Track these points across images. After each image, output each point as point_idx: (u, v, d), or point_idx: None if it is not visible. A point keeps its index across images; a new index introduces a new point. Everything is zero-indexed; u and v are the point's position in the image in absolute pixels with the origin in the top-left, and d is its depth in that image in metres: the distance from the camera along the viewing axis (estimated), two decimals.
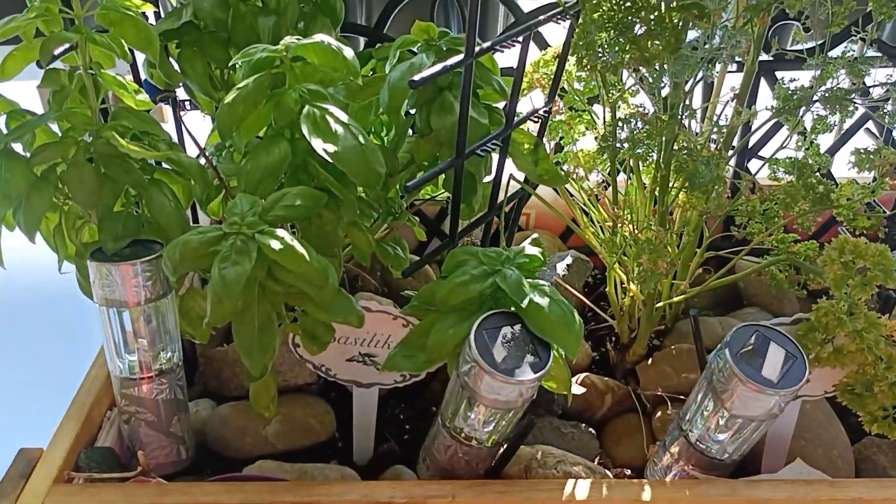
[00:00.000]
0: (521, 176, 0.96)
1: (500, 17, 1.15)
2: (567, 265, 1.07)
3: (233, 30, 0.96)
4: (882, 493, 0.76)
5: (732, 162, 1.17)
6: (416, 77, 0.68)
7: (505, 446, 0.79)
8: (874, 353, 0.73)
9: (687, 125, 0.86)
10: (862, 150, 0.89)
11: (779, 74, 1.11)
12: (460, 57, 0.71)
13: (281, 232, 0.70)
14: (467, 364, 0.70)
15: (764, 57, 1.04)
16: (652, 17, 0.70)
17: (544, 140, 0.97)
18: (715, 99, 1.04)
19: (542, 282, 0.73)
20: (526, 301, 0.70)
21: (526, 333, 0.71)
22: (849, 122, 1.22)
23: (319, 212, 0.79)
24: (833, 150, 1.16)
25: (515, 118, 0.86)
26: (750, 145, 1.16)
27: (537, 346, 0.70)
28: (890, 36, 1.13)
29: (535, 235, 0.97)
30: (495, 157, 0.88)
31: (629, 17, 0.71)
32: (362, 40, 1.08)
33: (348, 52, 0.74)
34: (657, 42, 0.71)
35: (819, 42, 0.94)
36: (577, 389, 0.90)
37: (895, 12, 0.85)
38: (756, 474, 0.85)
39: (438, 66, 0.70)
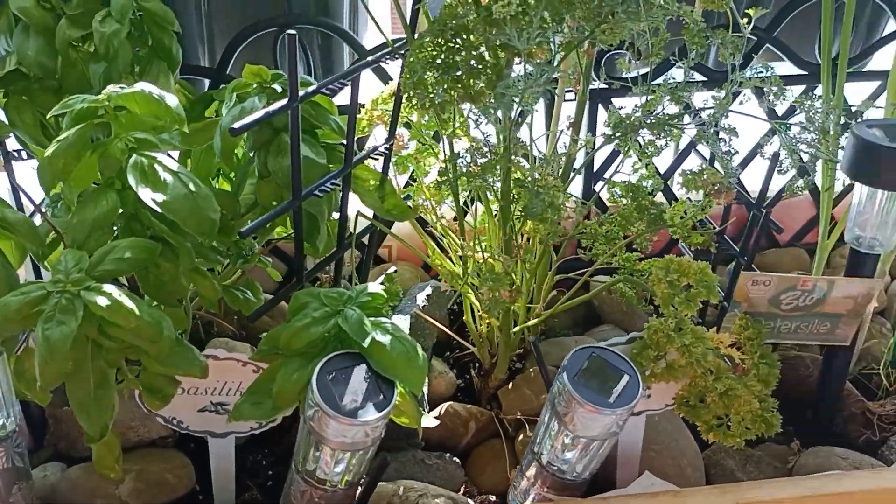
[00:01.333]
0: (371, 212, 0.96)
1: (346, 55, 1.16)
2: (427, 296, 1.08)
3: (64, 77, 0.93)
4: (723, 500, 0.80)
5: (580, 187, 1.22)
6: (236, 125, 0.67)
7: (362, 486, 0.79)
8: (703, 365, 0.77)
9: (526, 155, 0.89)
10: (688, 172, 0.94)
11: (619, 102, 1.16)
12: (284, 101, 0.71)
13: (109, 287, 0.68)
14: (311, 408, 0.69)
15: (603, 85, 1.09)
16: (472, 56, 0.73)
17: (395, 174, 0.99)
18: (554, 128, 1.08)
19: (384, 320, 0.74)
20: (367, 340, 0.71)
21: (369, 373, 0.71)
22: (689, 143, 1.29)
23: (157, 262, 0.77)
24: (670, 172, 1.22)
25: (355, 156, 0.86)
26: (599, 169, 1.21)
27: (381, 385, 0.70)
28: (716, 62, 1.20)
29: (392, 269, 0.98)
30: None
31: (451, 57, 0.73)
32: (207, 81, 1.07)
33: (171, 100, 0.73)
34: (478, 80, 0.73)
35: (646, 70, 0.99)
36: (431, 422, 0.90)
37: (706, 42, 0.91)
38: (612, 489, 0.88)
39: (259, 113, 0.70)
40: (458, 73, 0.74)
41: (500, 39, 0.70)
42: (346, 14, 1.19)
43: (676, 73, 0.99)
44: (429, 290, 1.08)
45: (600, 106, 1.14)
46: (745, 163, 1.18)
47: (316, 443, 0.71)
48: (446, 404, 1.00)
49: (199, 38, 1.07)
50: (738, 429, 0.79)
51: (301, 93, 0.72)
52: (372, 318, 0.74)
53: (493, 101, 0.72)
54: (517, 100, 0.69)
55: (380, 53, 0.79)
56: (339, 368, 0.71)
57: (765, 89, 0.90)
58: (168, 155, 0.77)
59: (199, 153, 0.94)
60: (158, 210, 0.70)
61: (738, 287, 0.83)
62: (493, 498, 0.93)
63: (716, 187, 0.93)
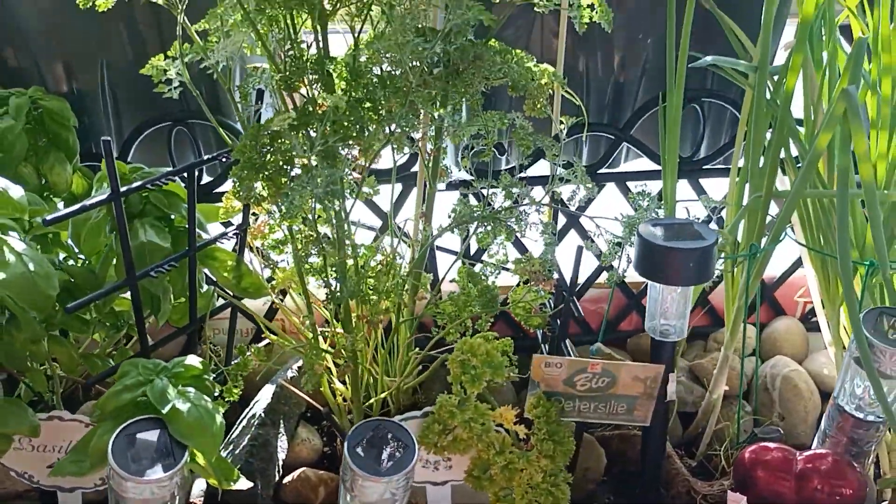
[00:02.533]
0: None
1: None
2: (298, 367, 1.17)
3: None
4: None
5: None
6: (48, 217, 0.79)
7: None
8: (484, 440, 0.84)
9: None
10: (517, 260, 1.03)
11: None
12: (104, 196, 0.82)
13: None
14: (108, 468, 0.78)
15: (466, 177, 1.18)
16: (281, 158, 0.83)
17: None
18: (418, 211, 1.17)
19: (190, 390, 0.83)
20: (167, 407, 0.80)
21: (165, 437, 0.80)
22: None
23: (9, 330, 0.88)
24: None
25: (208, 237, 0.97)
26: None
27: (174, 448, 0.79)
28: (589, 155, 1.30)
29: (265, 343, 1.08)
30: None
31: (265, 158, 0.84)
32: None
33: (14, 192, 0.84)
34: (286, 180, 0.83)
35: (514, 164, 1.09)
36: (243, 485, 0.96)
37: (532, 143, 1.00)
38: None
39: (76, 207, 0.81)
40: (268, 172, 0.84)
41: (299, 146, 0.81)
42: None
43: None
44: (300, 363, 1.17)
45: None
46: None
47: (116, 501, 0.80)
48: (299, 470, 1.07)
49: (108, 130, 1.20)
50: (522, 501, 0.85)
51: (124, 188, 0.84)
52: (179, 388, 0.83)
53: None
54: (296, 200, 0.78)
55: (218, 153, 0.91)
56: (140, 431, 0.80)
57: (578, 187, 0.99)
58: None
59: (87, 231, 1.05)
60: None
61: (533, 368, 0.90)
62: None
63: (535, 275, 1.02)
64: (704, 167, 1.24)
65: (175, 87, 0.94)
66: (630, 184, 1.22)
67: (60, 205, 1.12)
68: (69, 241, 1.07)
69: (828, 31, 1.07)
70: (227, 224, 1.10)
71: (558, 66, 1.15)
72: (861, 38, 0.95)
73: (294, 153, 0.81)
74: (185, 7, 0.89)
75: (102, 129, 1.20)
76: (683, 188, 1.25)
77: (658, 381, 0.91)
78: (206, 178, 1.20)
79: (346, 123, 0.83)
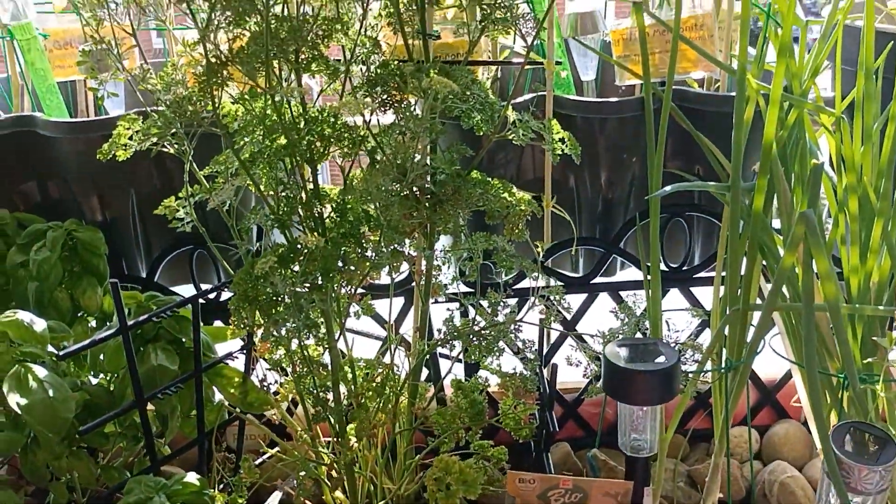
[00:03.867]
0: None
1: None
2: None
3: (13, 291, 1.19)
4: None
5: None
6: (62, 352, 0.89)
7: None
8: None
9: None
10: (506, 374, 1.09)
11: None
12: (113, 331, 0.92)
13: None
14: None
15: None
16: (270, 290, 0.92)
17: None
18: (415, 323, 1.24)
19: None
20: None
21: None
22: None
23: (32, 448, 0.98)
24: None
25: (214, 358, 1.06)
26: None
27: None
28: (585, 266, 1.35)
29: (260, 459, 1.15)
30: None
31: (257, 291, 0.93)
32: None
33: (38, 326, 0.95)
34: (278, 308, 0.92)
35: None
36: None
37: (514, 264, 1.07)
38: None
39: (86, 342, 0.91)
40: (261, 304, 0.93)
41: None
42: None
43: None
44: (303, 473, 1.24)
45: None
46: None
47: None
48: None
49: (138, 251, 1.32)
50: None
51: (150, 315, 0.94)
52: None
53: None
54: (282, 330, 0.87)
55: (221, 283, 1.01)
56: None
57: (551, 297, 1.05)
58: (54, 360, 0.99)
59: (108, 354, 1.15)
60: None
61: (507, 483, 0.95)
62: None
63: (520, 389, 1.07)
64: (695, 276, 1.29)
65: (187, 222, 1.04)
66: (623, 293, 1.28)
67: (93, 323, 1.23)
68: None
69: (800, 149, 1.12)
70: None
71: (546, 185, 1.22)
72: (816, 164, 1.00)
73: (280, 289, 0.89)
74: (192, 155, 1.00)
75: (133, 251, 1.32)
76: (676, 298, 1.29)
77: (629, 497, 0.94)
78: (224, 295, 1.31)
79: (327, 259, 0.92)
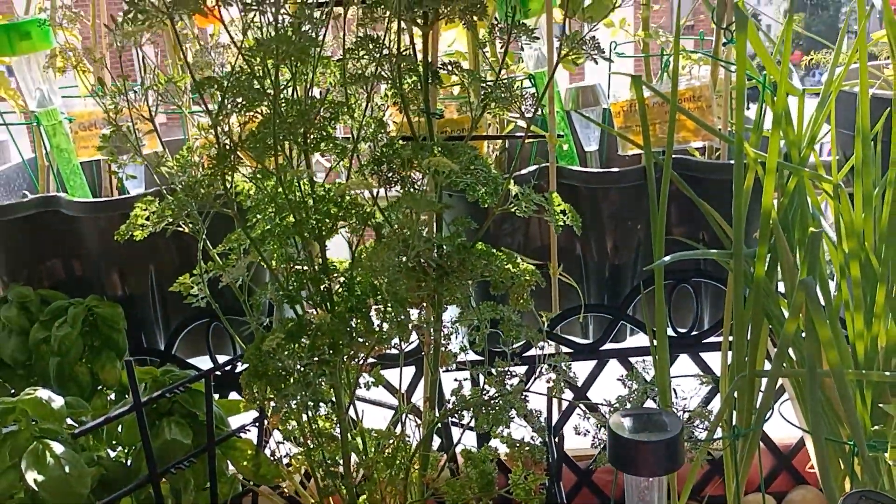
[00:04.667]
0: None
1: None
2: None
3: (35, 366, 1.23)
4: None
5: None
6: (76, 431, 0.91)
7: None
8: None
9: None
10: (514, 443, 1.09)
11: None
12: (126, 408, 0.95)
13: None
14: None
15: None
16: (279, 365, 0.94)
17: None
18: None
19: None
20: None
21: None
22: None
23: None
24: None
25: (227, 431, 1.08)
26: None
27: None
28: (594, 332, 1.37)
29: None
30: None
31: (267, 367, 0.95)
32: None
33: (56, 403, 0.98)
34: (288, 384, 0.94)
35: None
36: None
37: (520, 334, 1.09)
38: None
39: (101, 419, 0.93)
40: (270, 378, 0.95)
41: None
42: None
43: None
44: None
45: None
46: None
47: None
48: None
49: (157, 324, 1.36)
50: None
51: (161, 391, 0.96)
52: None
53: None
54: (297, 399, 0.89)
55: (233, 357, 1.04)
56: None
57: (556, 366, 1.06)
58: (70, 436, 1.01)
59: (125, 428, 1.18)
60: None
61: None
62: None
63: (528, 460, 1.08)
64: (704, 341, 1.29)
65: (201, 297, 1.08)
66: (632, 359, 1.28)
67: (112, 396, 1.26)
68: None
69: (800, 214, 1.14)
70: None
71: (552, 254, 1.24)
72: (815, 231, 1.01)
73: (288, 364, 0.92)
74: (205, 233, 1.04)
75: (152, 324, 1.36)
76: (686, 363, 1.30)
77: None
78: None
79: (335, 334, 0.94)
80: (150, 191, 1.26)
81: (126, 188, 1.39)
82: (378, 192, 1.00)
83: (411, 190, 0.99)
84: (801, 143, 1.15)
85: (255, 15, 0.90)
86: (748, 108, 1.57)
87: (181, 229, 1.04)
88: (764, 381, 1.11)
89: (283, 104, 0.96)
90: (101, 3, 1.28)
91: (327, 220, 0.98)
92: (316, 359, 0.92)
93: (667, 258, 1.03)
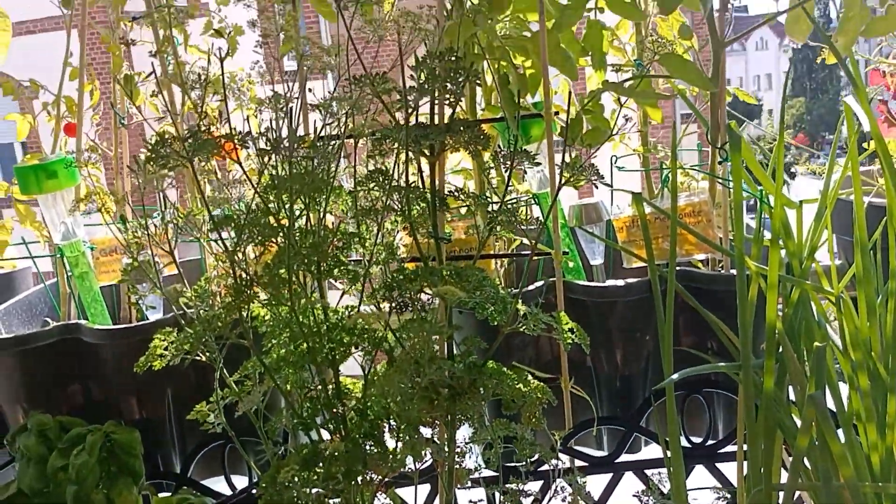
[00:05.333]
0: None
1: None
2: None
3: (54, 493, 1.23)
4: None
5: None
6: None
7: None
8: None
9: None
10: None
11: None
12: None
13: None
14: None
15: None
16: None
17: None
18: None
19: None
20: None
21: None
22: None
23: None
24: None
25: None
26: None
27: None
28: (609, 445, 1.36)
29: None
30: None
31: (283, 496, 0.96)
32: None
33: None
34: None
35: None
36: None
37: (533, 451, 1.10)
38: None
39: None
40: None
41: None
42: None
43: None
44: None
45: None
46: None
47: None
48: None
49: (173, 447, 1.37)
50: None
51: None
52: None
53: None
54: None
55: (250, 485, 1.04)
56: None
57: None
58: None
59: None
60: None
61: None
62: None
63: None
64: (719, 451, 1.29)
65: (217, 424, 1.09)
66: (648, 471, 1.28)
67: None
68: None
69: (805, 325, 1.15)
70: None
71: (563, 369, 1.26)
72: (819, 346, 1.03)
73: (303, 493, 0.93)
74: (221, 364, 1.07)
75: (168, 447, 1.37)
76: (703, 474, 1.29)
77: None
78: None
79: (349, 460, 0.95)
80: (167, 316, 1.29)
81: (145, 313, 1.42)
82: (389, 316, 1.03)
83: (422, 314, 1.02)
84: (802, 254, 1.17)
85: (270, 158, 0.95)
86: (749, 214, 1.61)
87: (199, 358, 1.07)
88: (781, 493, 1.10)
89: (297, 234, 1.00)
90: (125, 141, 1.35)
91: (341, 348, 1.01)
92: (331, 486, 0.93)
93: (675, 375, 1.05)
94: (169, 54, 1.21)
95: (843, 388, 1.19)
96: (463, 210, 1.37)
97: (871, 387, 1.06)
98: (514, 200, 1.20)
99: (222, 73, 0.97)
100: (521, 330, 1.06)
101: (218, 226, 0.95)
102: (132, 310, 1.50)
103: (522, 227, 1.07)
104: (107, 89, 1.53)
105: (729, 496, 1.14)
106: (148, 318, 1.38)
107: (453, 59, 1.05)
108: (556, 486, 1.09)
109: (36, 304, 1.53)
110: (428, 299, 1.06)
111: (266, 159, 0.95)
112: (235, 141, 0.96)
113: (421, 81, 1.02)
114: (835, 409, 1.14)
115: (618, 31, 1.50)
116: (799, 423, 1.14)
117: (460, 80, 1.05)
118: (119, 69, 1.34)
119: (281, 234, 0.99)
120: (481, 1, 1.21)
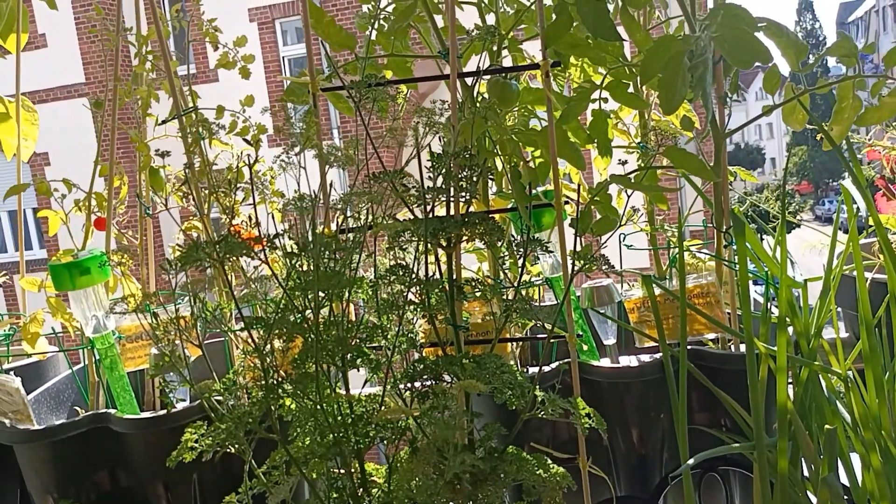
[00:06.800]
0: None
1: None
2: None
3: None
4: None
5: None
6: None
7: None
8: None
9: None
10: None
11: None
12: None
13: None
14: None
15: None
16: None
17: None
18: None
19: None
20: None
21: None
22: None
23: None
24: None
25: None
26: None
27: None
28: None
29: None
30: None
31: None
32: None
33: None
34: None
35: None
36: None
37: None
38: None
39: None
40: None
41: None
42: None
43: None
44: None
45: None
46: None
47: None
48: None
49: None
50: None
51: None
52: None
53: None
54: None
55: None
56: None
57: None
58: None
59: None
60: None
61: None
62: None
63: None
64: None
65: None
66: None
67: None
68: None
69: (815, 405, 1.18)
70: None
71: (581, 450, 1.28)
72: (830, 429, 1.06)
73: None
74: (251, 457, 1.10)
75: None
76: None
77: None
78: None
79: None
80: (194, 404, 1.33)
81: (171, 399, 1.46)
82: (411, 405, 1.07)
83: (444, 404, 1.06)
84: (809, 332, 1.21)
85: (297, 260, 1.00)
86: (756, 284, 1.65)
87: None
88: None
89: (322, 326, 1.04)
90: (150, 230, 1.40)
91: (366, 440, 1.04)
92: None
93: (690, 461, 1.07)
94: (196, 154, 1.28)
95: (856, 459, 1.21)
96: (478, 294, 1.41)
97: (883, 464, 1.09)
98: (529, 283, 1.24)
99: (251, 181, 1.02)
100: (540, 415, 1.10)
101: (248, 326, 0.99)
102: (156, 393, 1.54)
103: (537, 313, 1.12)
104: (131, 178, 1.60)
105: None
106: (174, 403, 1.42)
107: (467, 156, 1.11)
108: None
109: (63, 391, 1.57)
110: (448, 384, 1.10)
111: (292, 261, 1.00)
112: (265, 244, 1.01)
113: (437, 182, 1.08)
114: (848, 484, 1.17)
115: (620, 114, 1.56)
116: (814, 500, 1.17)
117: (474, 178, 1.10)
118: (146, 167, 1.41)
119: (308, 330, 1.03)
120: (491, 98, 1.27)
